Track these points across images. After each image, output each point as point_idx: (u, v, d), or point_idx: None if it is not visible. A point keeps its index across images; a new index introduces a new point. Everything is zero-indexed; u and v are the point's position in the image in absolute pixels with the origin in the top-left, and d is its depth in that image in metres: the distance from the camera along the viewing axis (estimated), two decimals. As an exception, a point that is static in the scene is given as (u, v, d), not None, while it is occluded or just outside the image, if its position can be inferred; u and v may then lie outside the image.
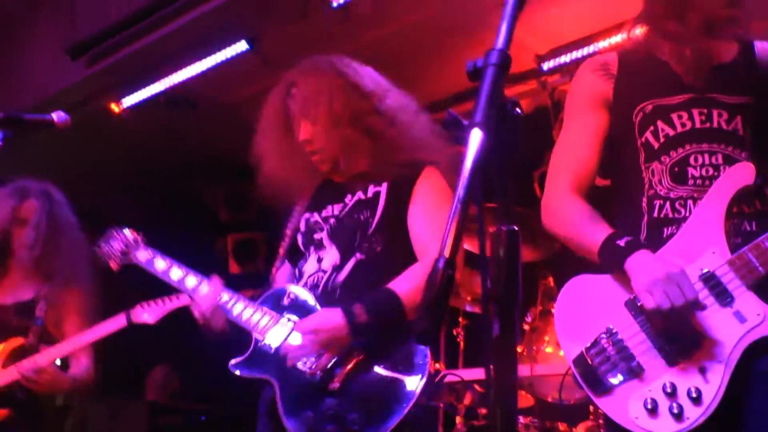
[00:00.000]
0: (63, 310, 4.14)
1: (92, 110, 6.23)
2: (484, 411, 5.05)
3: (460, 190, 1.39)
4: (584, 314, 2.44)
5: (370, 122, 2.95)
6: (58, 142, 5.81)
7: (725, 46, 2.56)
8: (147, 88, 6.22)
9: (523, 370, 4.74)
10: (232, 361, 2.85)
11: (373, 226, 2.89)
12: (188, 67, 5.90)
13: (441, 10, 5.38)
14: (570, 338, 2.44)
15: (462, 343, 5.48)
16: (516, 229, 1.48)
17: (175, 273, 3.14)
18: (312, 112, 2.93)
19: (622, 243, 2.37)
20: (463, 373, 5.10)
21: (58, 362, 3.89)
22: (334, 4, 5.08)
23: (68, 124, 3.04)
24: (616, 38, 5.00)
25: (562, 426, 4.62)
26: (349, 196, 2.98)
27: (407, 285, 2.70)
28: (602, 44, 5.28)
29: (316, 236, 2.98)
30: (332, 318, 2.66)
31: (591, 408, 4.67)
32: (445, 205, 2.76)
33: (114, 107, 6.43)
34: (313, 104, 2.93)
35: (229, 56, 5.69)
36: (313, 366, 2.69)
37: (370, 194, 2.96)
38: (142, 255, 3.28)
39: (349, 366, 2.66)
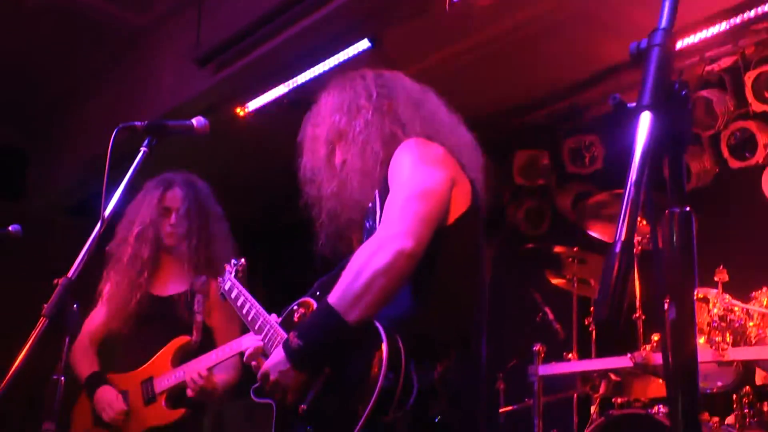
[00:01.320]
0: (214, 301, 3.96)
1: (219, 115, 6.33)
2: (619, 400, 4.97)
3: (633, 174, 1.36)
4: None
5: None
6: (185, 147, 5.93)
7: None
8: (271, 91, 6.33)
9: (659, 359, 4.61)
10: (253, 386, 2.79)
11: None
12: (311, 69, 5.96)
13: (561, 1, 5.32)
14: None
15: (594, 333, 5.39)
16: (689, 210, 1.45)
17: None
18: None
19: None
20: (596, 362, 5.04)
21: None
22: (455, -1, 5.06)
23: (207, 129, 3.07)
24: (749, 13, 4.84)
25: (705, 416, 4.48)
26: (370, 204, 2.86)
27: (337, 287, 2.53)
28: (735, 21, 5.11)
29: None
30: (276, 354, 2.60)
31: (734, 397, 4.53)
32: (401, 174, 2.63)
33: (239, 111, 6.57)
34: None
35: (351, 55, 5.70)
36: (282, 403, 2.65)
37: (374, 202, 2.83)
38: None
39: (317, 387, 2.56)
